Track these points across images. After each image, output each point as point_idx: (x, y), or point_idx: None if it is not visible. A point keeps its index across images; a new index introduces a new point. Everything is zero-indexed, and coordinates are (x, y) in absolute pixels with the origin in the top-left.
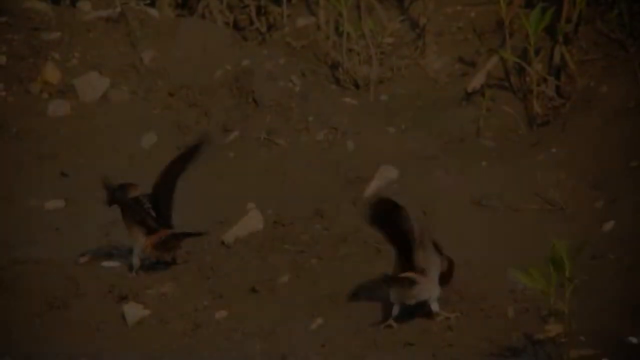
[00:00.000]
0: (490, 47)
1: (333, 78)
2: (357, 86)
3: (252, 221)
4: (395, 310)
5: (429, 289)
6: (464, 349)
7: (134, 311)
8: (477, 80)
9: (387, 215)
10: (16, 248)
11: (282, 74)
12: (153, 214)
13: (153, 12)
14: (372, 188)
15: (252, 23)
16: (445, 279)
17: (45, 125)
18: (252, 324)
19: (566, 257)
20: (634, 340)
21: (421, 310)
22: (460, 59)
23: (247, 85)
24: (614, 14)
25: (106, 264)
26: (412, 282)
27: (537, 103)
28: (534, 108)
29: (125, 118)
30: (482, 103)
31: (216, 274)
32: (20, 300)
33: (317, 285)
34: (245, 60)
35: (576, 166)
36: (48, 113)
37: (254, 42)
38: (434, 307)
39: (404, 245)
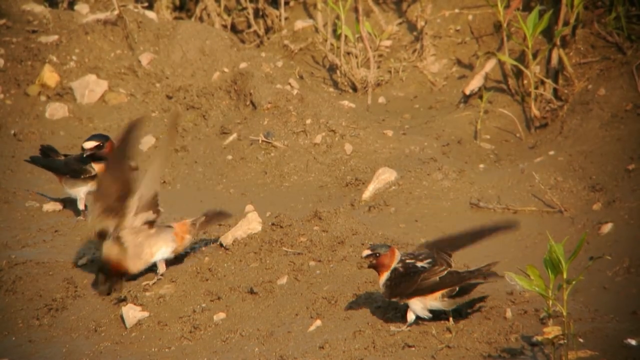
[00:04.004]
0: (488, 49)
1: (331, 81)
2: (354, 89)
3: (251, 223)
4: (412, 318)
5: None
6: (463, 351)
7: (132, 313)
8: (475, 83)
9: None
10: (15, 250)
11: (280, 77)
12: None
13: (151, 14)
14: (370, 190)
15: (249, 26)
16: None
17: (43, 128)
18: (250, 326)
19: (564, 259)
20: (632, 342)
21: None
22: (458, 61)
23: (245, 87)
24: (611, 17)
25: None
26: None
27: (534, 106)
28: (532, 111)
29: (123, 120)
30: (480, 106)
31: (214, 275)
32: (19, 302)
33: (316, 287)
34: (243, 62)
35: (574, 168)
36: (46, 115)
37: (251, 44)
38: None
39: None
